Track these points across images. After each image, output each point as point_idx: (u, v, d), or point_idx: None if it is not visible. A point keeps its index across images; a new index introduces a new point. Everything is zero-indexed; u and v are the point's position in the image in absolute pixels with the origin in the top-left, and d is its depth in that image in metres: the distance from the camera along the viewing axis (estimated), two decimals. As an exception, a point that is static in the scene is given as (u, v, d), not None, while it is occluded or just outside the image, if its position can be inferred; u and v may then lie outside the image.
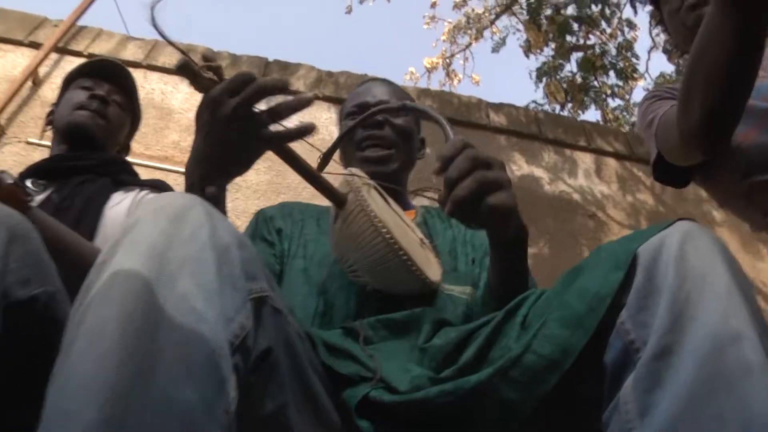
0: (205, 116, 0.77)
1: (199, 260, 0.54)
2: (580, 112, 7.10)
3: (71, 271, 0.69)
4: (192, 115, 2.98)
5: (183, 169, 2.63)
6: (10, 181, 0.90)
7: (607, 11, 6.80)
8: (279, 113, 0.78)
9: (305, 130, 0.79)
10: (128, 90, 1.56)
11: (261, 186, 2.94)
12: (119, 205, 1.25)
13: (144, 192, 1.32)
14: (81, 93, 1.46)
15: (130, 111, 1.58)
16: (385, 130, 1.21)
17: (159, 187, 1.38)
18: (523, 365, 0.65)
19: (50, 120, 1.53)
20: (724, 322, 0.53)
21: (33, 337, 0.61)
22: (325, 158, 0.90)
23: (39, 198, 1.23)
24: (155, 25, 0.70)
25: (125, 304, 0.47)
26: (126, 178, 1.38)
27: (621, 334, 0.60)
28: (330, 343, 0.83)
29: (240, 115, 0.75)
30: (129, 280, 0.49)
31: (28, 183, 1.28)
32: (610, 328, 0.61)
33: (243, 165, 0.82)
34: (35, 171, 1.32)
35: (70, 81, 1.53)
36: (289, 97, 0.78)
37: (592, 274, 0.65)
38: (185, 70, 0.75)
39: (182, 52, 0.74)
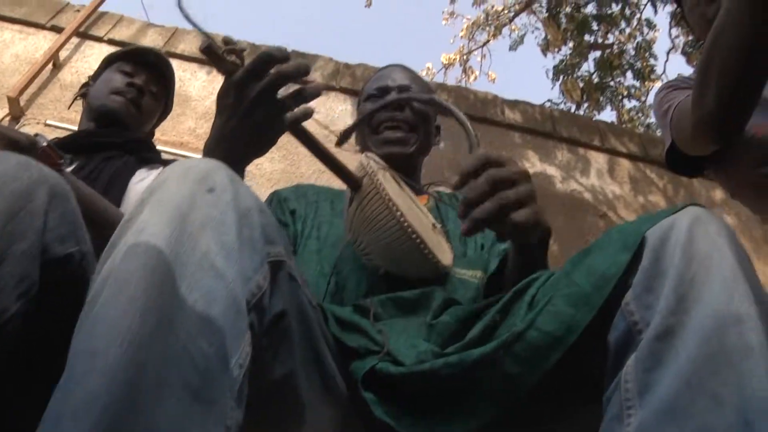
0: (229, 99, 0.79)
1: (221, 221, 0.56)
2: (595, 111, 7.07)
3: (99, 231, 0.72)
4: (209, 102, 3.03)
5: (197, 156, 2.65)
6: (44, 143, 0.93)
7: (627, 11, 6.75)
8: (304, 98, 0.80)
9: (309, 113, 0.83)
10: (166, 82, 1.59)
11: (275, 174, 2.97)
12: (143, 181, 1.28)
13: None
14: (119, 77, 1.48)
15: (164, 103, 1.61)
16: (405, 112, 1.22)
17: None
18: (526, 341, 0.66)
19: (84, 92, 1.56)
20: (727, 304, 0.53)
21: (65, 293, 0.64)
22: (345, 135, 0.91)
23: (66, 170, 1.27)
24: (181, 8, 0.72)
25: (149, 258, 0.49)
26: (150, 156, 1.41)
27: (625, 314, 0.61)
28: (340, 317, 0.84)
29: (264, 99, 0.77)
30: (154, 236, 0.51)
31: None
32: (615, 308, 0.62)
33: (263, 147, 0.84)
34: (63, 144, 1.35)
35: (110, 61, 1.55)
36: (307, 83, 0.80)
37: (601, 254, 0.66)
38: (209, 52, 0.77)
39: (206, 34, 0.76)
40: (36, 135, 0.94)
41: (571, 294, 0.66)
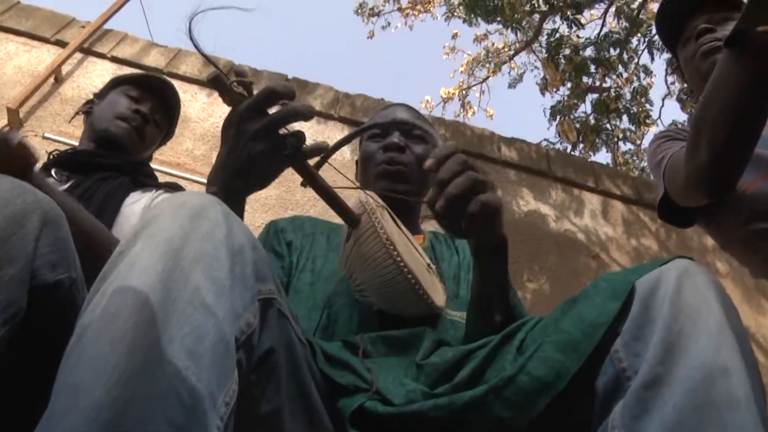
0: (232, 130, 0.80)
1: (213, 257, 0.56)
2: (591, 153, 7.13)
3: (89, 252, 0.72)
4: (208, 124, 3.05)
5: (192, 177, 2.66)
6: (16, 141, 0.91)
7: (625, 56, 6.86)
8: (302, 136, 0.81)
9: (321, 148, 0.84)
10: (171, 111, 1.59)
11: (270, 200, 2.97)
12: (136, 203, 1.28)
13: (159, 192, 1.35)
14: (125, 102, 1.48)
15: (166, 131, 1.61)
16: (406, 154, 1.23)
17: (175, 189, 1.40)
18: (516, 385, 0.66)
19: (88, 110, 1.55)
20: (714, 356, 0.54)
21: (53, 320, 0.63)
22: (326, 156, 0.91)
23: (61, 188, 1.26)
24: (191, 37, 0.73)
25: (140, 293, 0.49)
26: (145, 180, 1.41)
27: (614, 361, 0.62)
28: (329, 353, 0.84)
29: (265, 133, 0.78)
30: (145, 271, 0.51)
31: (53, 172, 1.31)
32: (603, 355, 0.63)
33: (264, 179, 0.84)
34: (61, 162, 1.35)
35: (118, 83, 1.56)
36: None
37: (591, 302, 0.67)
38: (216, 83, 0.78)
39: (215, 65, 0.77)
40: (8, 132, 0.92)
41: (560, 341, 0.66)
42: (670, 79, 6.89)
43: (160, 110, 1.54)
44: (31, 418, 0.58)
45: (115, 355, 0.45)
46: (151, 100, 1.52)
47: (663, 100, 7.12)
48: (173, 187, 1.42)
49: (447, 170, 0.80)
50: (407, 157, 1.23)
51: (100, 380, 0.43)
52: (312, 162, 0.87)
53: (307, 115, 0.80)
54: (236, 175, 0.81)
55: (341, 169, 1.04)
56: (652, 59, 6.75)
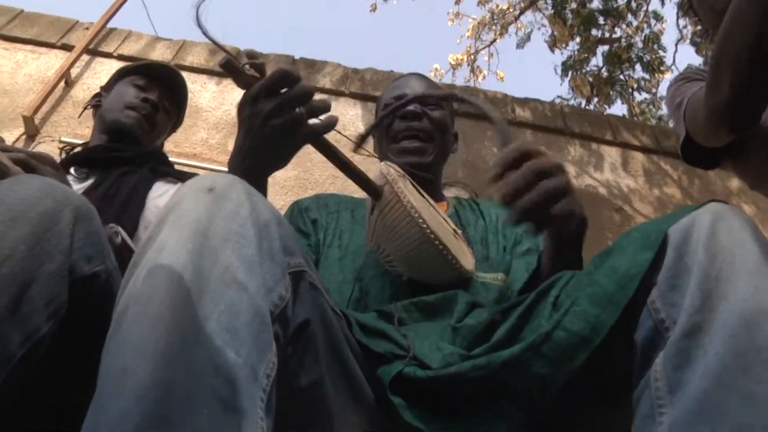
0: (246, 112, 0.80)
1: (240, 234, 0.57)
2: (606, 106, 7.04)
3: None
4: (220, 113, 3.06)
5: (210, 166, 2.67)
6: (119, 240, 0.93)
7: (633, 4, 6.72)
8: (317, 110, 0.81)
9: (332, 123, 0.83)
10: (179, 98, 1.59)
11: (288, 182, 2.98)
12: (162, 197, 1.29)
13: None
14: (133, 91, 1.48)
15: (175, 118, 1.61)
16: (423, 122, 1.23)
17: None
18: (553, 341, 0.66)
19: (96, 104, 1.56)
20: (754, 299, 0.53)
21: (93, 311, 0.65)
22: (361, 140, 0.92)
23: (82, 185, 1.27)
24: (200, 25, 0.74)
25: (172, 275, 0.50)
26: (165, 169, 1.42)
27: (651, 312, 0.61)
28: (364, 323, 0.85)
29: (279, 111, 0.78)
30: (175, 253, 0.52)
31: (71, 171, 1.32)
32: (640, 307, 0.62)
33: (284, 158, 0.85)
34: (78, 160, 1.36)
35: (124, 74, 1.55)
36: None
37: (623, 254, 0.66)
38: (228, 67, 0.78)
39: (225, 50, 0.78)
40: (111, 227, 0.94)
41: (595, 294, 0.66)
42: (681, 22, 6.74)
43: (168, 97, 1.54)
44: (75, 406, 0.61)
45: (155, 336, 0.46)
46: (158, 87, 1.52)
47: (676, 45, 6.98)
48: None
49: (517, 181, 0.77)
50: (425, 125, 1.23)
51: (143, 361, 0.45)
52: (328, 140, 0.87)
53: (314, 99, 0.81)
54: (256, 156, 0.82)
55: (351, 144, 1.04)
56: (663, 4, 6.62)
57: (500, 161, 0.80)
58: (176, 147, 2.96)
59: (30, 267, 0.57)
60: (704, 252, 0.58)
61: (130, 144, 1.42)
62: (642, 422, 0.57)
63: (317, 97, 0.81)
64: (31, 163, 0.91)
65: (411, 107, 1.22)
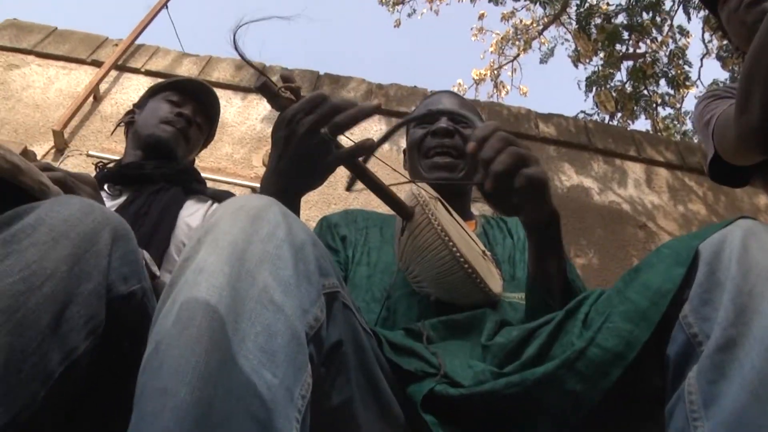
0: (281, 133, 0.82)
1: (277, 256, 0.58)
2: (630, 121, 6.99)
3: None
4: (245, 128, 3.09)
5: (234, 180, 2.70)
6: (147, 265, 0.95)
7: (658, 18, 6.68)
8: (344, 125, 0.81)
9: (369, 146, 0.84)
10: (211, 114, 1.61)
11: (312, 196, 3.00)
12: (193, 216, 1.30)
13: (216, 204, 1.37)
14: (167, 107, 1.50)
15: (207, 134, 1.63)
16: (455, 138, 1.24)
17: (228, 197, 1.43)
18: (588, 358, 0.66)
19: (130, 120, 1.57)
20: None
21: (129, 330, 0.66)
22: (372, 149, 0.91)
23: (115, 203, 1.29)
24: (237, 48, 0.75)
25: (210, 296, 0.51)
26: (196, 187, 1.43)
27: (684, 327, 0.60)
28: (393, 342, 0.85)
29: (313, 133, 0.80)
30: (213, 275, 0.53)
31: (105, 187, 1.34)
32: (672, 323, 0.62)
33: (316, 179, 0.86)
34: (111, 176, 1.38)
35: (157, 91, 1.58)
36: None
37: (655, 270, 0.66)
38: (264, 90, 0.79)
39: (261, 72, 0.79)
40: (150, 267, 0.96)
41: (627, 311, 0.66)
42: (707, 37, 6.69)
43: (201, 113, 1.56)
44: (111, 425, 0.62)
45: (195, 357, 0.47)
46: (191, 102, 1.54)
47: (701, 60, 6.93)
48: (225, 197, 1.44)
49: (489, 149, 0.83)
50: (456, 141, 1.23)
51: (183, 382, 0.45)
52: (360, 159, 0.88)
53: (350, 107, 0.81)
54: (289, 177, 0.83)
55: (380, 161, 1.05)
56: (689, 19, 6.56)
57: (475, 135, 0.86)
58: (201, 161, 3.00)
59: (70, 287, 0.58)
60: (737, 267, 0.58)
61: (165, 159, 1.44)
62: None
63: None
64: (69, 182, 0.93)
65: (443, 124, 1.23)
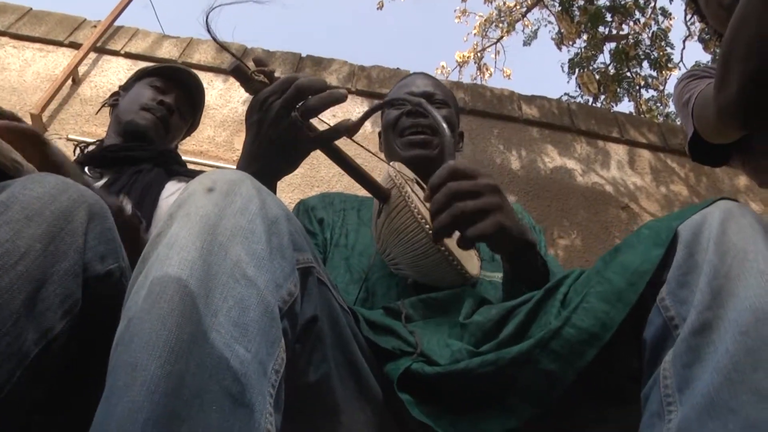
0: (254, 117, 0.81)
1: (250, 230, 0.57)
2: (613, 103, 7.01)
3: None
4: (226, 111, 3.06)
5: (216, 163, 2.67)
6: (129, 208, 0.94)
7: (641, 0, 6.70)
8: (314, 109, 0.81)
9: (345, 129, 0.84)
10: (195, 103, 1.60)
11: (295, 179, 2.99)
12: (172, 195, 1.30)
13: None
14: (150, 93, 1.49)
15: (190, 121, 1.62)
16: (429, 118, 1.24)
17: None
18: (563, 337, 0.66)
19: (113, 103, 1.56)
20: (765, 296, 0.53)
21: (106, 309, 0.65)
22: (356, 126, 0.90)
23: (96, 185, 1.28)
24: (209, 30, 0.74)
25: (182, 270, 0.51)
26: (178, 169, 1.42)
27: (661, 310, 0.60)
28: (371, 320, 0.85)
29: (284, 115, 0.79)
30: (185, 249, 0.52)
31: (85, 170, 1.33)
32: (650, 305, 0.62)
33: (291, 163, 0.86)
34: (91, 159, 1.37)
35: (143, 75, 1.56)
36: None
37: (633, 250, 0.66)
38: (237, 73, 0.79)
39: (235, 56, 0.78)
40: (122, 200, 0.94)
41: (604, 291, 0.66)
42: (690, 19, 6.71)
43: (185, 101, 1.55)
44: (88, 404, 0.61)
45: (166, 331, 0.47)
46: (175, 90, 1.53)
47: (684, 42, 6.97)
48: None
49: (434, 203, 0.84)
50: (431, 121, 1.24)
51: (154, 355, 0.45)
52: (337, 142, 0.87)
53: (318, 86, 0.81)
54: (264, 160, 0.83)
55: (362, 142, 1.05)
56: (671, 0, 6.58)
57: (430, 183, 0.86)
58: (183, 144, 2.95)
59: (44, 266, 0.57)
60: (715, 249, 0.58)
61: (145, 144, 1.43)
62: (650, 420, 0.57)
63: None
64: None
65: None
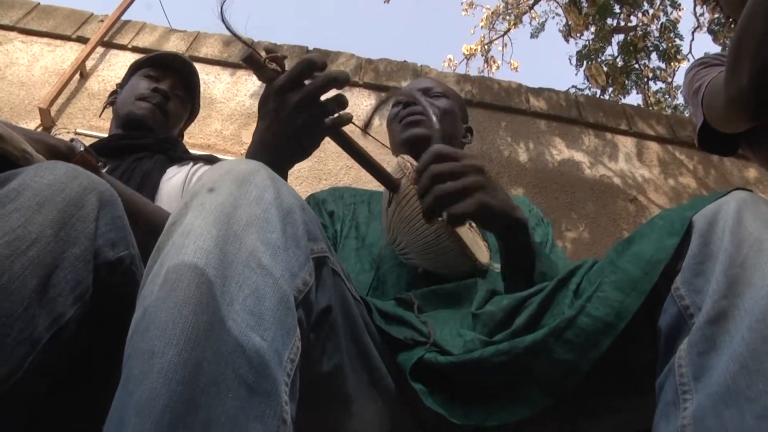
0: (270, 106, 0.81)
1: (265, 220, 0.57)
2: (621, 96, 6.98)
3: (141, 228, 0.74)
4: (234, 104, 3.07)
5: (224, 156, 2.68)
6: (81, 148, 0.94)
7: (650, -9, 6.65)
8: (342, 102, 0.82)
9: (349, 117, 0.84)
10: (191, 86, 1.60)
11: (303, 172, 2.99)
12: (174, 178, 1.30)
13: (198, 165, 1.36)
14: (145, 83, 1.50)
15: (190, 106, 1.62)
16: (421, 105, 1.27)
17: (211, 160, 1.41)
18: (577, 327, 0.65)
19: (112, 100, 1.58)
20: None
21: (117, 296, 0.65)
22: (367, 122, 0.92)
23: (103, 172, 1.29)
24: (224, 20, 0.74)
25: (198, 259, 0.50)
26: (180, 155, 1.43)
27: (676, 299, 0.60)
28: (384, 310, 0.85)
29: (305, 104, 0.79)
30: (201, 238, 0.52)
31: None
32: (664, 294, 0.61)
33: (305, 151, 0.85)
34: (95, 150, 1.38)
35: (136, 68, 1.57)
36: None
37: (648, 240, 0.65)
38: (250, 61, 0.78)
39: (248, 44, 0.78)
40: (72, 140, 0.95)
41: (619, 280, 0.65)
42: (699, 10, 6.67)
43: (181, 86, 1.55)
44: (100, 391, 0.61)
45: (182, 319, 0.46)
46: (170, 77, 1.53)
47: (693, 33, 6.91)
48: (209, 160, 1.42)
49: (420, 186, 0.87)
50: (427, 111, 1.25)
51: (171, 343, 0.45)
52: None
53: (343, 80, 0.81)
54: (277, 149, 0.82)
55: (372, 136, 1.05)
56: (680, -10, 6.53)
57: (416, 167, 0.89)
58: (190, 138, 2.98)
59: (56, 251, 0.57)
60: (730, 238, 0.57)
61: (146, 133, 1.43)
62: (665, 409, 0.56)
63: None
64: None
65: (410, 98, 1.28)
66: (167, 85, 1.51)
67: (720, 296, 0.55)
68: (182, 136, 1.69)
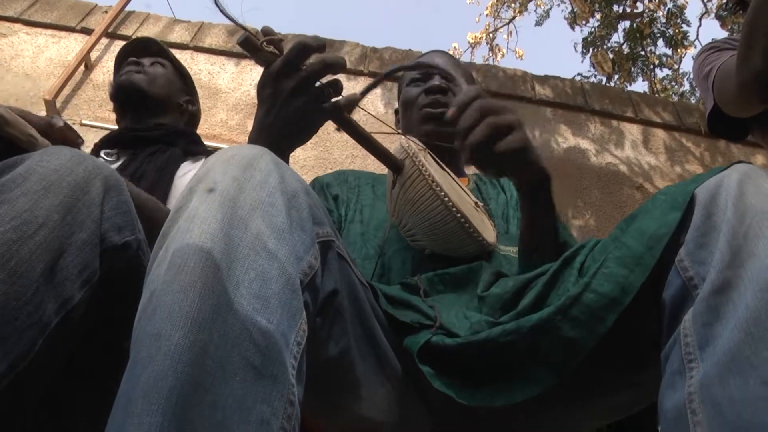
0: (268, 90, 0.81)
1: (270, 204, 0.57)
2: (627, 83, 6.93)
3: (145, 225, 0.75)
4: (239, 94, 3.06)
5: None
6: (61, 123, 0.93)
7: (656, -23, 6.60)
8: (339, 84, 0.82)
9: (355, 99, 0.83)
10: (159, 53, 1.64)
11: (308, 161, 2.99)
12: (188, 174, 1.30)
13: None
14: (124, 67, 1.57)
15: (175, 71, 1.65)
16: (448, 95, 1.24)
17: None
18: (582, 303, 0.65)
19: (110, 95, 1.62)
20: None
21: (124, 280, 0.66)
22: (357, 99, 0.90)
23: (113, 167, 1.29)
24: (217, 4, 0.73)
25: (203, 242, 0.50)
26: (194, 148, 1.43)
27: (679, 271, 0.60)
28: (390, 294, 0.85)
29: (303, 88, 0.79)
30: (206, 222, 0.52)
31: (102, 153, 1.35)
32: (668, 267, 0.62)
33: (305, 135, 0.85)
34: (107, 142, 1.39)
35: (116, 65, 1.64)
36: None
37: (650, 215, 0.65)
38: (247, 45, 0.78)
39: (243, 27, 0.77)
40: (52, 117, 0.94)
41: (623, 256, 0.65)
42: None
43: (158, 60, 1.60)
44: (108, 375, 0.62)
45: (188, 302, 0.46)
46: (146, 57, 1.59)
47: (700, 19, 6.84)
48: None
49: (466, 119, 0.83)
50: (449, 98, 1.23)
51: (177, 326, 0.45)
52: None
53: (339, 64, 0.80)
54: (277, 133, 0.82)
55: (375, 121, 1.04)
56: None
57: (456, 103, 0.86)
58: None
59: (63, 236, 0.57)
60: (733, 210, 0.57)
61: (147, 107, 1.47)
62: (671, 378, 0.56)
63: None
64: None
65: (436, 82, 1.23)
66: (136, 57, 1.57)
67: (724, 267, 0.55)
68: (196, 114, 1.70)
